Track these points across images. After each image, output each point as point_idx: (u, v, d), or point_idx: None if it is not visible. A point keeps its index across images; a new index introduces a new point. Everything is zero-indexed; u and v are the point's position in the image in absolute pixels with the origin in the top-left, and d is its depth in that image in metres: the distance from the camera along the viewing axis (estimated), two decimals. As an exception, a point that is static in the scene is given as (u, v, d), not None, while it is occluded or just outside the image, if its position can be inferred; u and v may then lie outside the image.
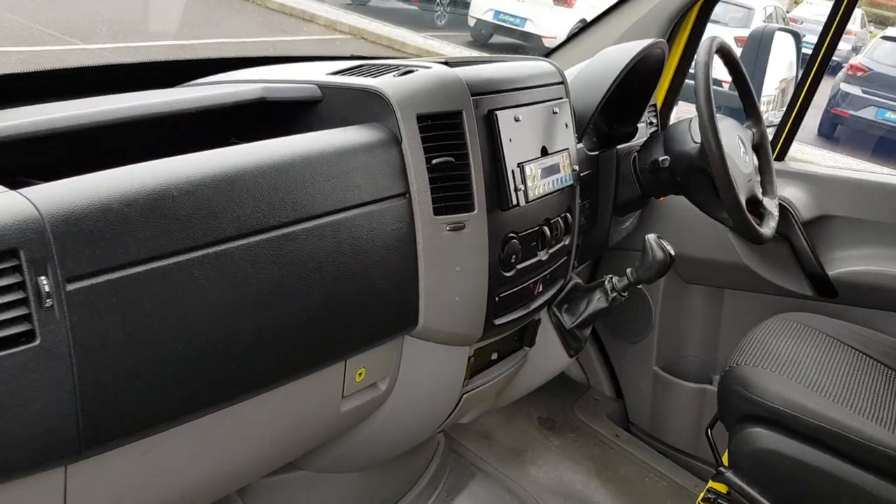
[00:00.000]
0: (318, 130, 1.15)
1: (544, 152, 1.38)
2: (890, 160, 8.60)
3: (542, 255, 1.41)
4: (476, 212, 1.22)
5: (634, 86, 1.87)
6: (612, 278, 1.56)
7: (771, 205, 1.78)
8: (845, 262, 2.02)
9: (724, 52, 1.73)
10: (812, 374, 1.65)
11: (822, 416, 1.52)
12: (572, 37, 2.18)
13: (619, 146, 1.80)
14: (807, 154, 7.98)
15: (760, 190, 1.81)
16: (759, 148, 1.85)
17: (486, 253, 1.25)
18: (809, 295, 2.06)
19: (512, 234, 1.31)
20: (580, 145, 1.70)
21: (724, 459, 1.71)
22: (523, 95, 1.35)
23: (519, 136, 1.31)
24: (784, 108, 2.16)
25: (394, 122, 1.16)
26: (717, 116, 1.76)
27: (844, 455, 1.50)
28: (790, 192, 2.05)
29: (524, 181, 1.31)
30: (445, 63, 1.60)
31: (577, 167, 1.47)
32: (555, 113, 1.43)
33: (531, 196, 1.33)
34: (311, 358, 1.06)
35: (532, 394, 2.26)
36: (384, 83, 1.18)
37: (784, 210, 2.02)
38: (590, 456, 2.15)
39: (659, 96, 2.21)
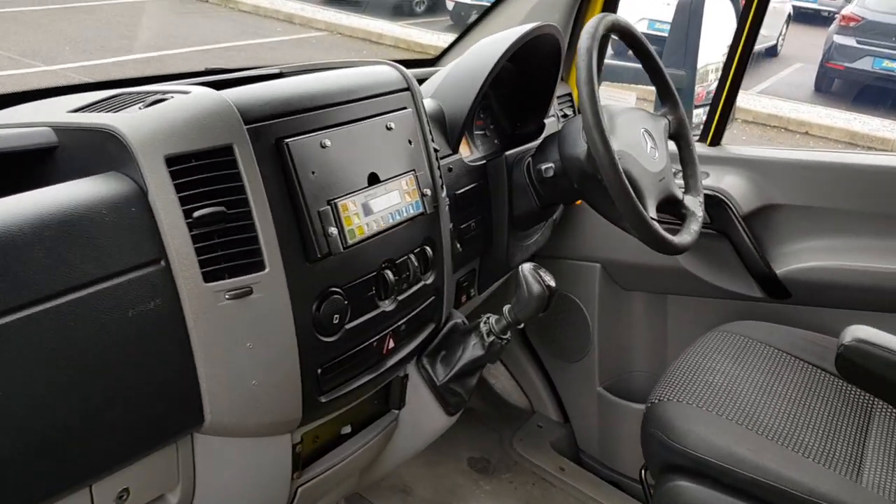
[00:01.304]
0: (55, 184, 0.90)
1: (374, 180, 1.12)
2: (892, 110, 8.24)
3: (387, 306, 1.15)
4: (268, 270, 0.96)
5: (532, 78, 1.61)
6: (489, 319, 1.29)
7: (694, 204, 1.51)
8: (795, 258, 1.74)
9: (621, 31, 1.46)
10: (751, 407, 1.38)
11: (756, 465, 1.25)
12: (467, 30, 1.89)
13: (507, 152, 1.53)
14: (802, 113, 7.66)
15: (682, 186, 1.54)
16: (677, 137, 1.57)
17: (289, 319, 0.99)
18: (760, 297, 1.78)
19: (333, 289, 1.05)
20: (458, 156, 1.44)
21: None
22: (334, 114, 1.08)
23: (329, 166, 1.05)
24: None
25: (135, 169, 0.90)
26: (622, 108, 1.50)
27: None
28: (728, 182, 1.77)
29: (338, 221, 1.05)
30: (279, 74, 1.34)
31: (428, 191, 1.21)
32: (389, 129, 1.16)
33: (353, 238, 1.07)
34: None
35: (465, 428, 1.99)
36: (122, 120, 0.92)
37: (721, 203, 1.74)
38: (526, 499, 1.89)
39: (575, 84, 1.93)
